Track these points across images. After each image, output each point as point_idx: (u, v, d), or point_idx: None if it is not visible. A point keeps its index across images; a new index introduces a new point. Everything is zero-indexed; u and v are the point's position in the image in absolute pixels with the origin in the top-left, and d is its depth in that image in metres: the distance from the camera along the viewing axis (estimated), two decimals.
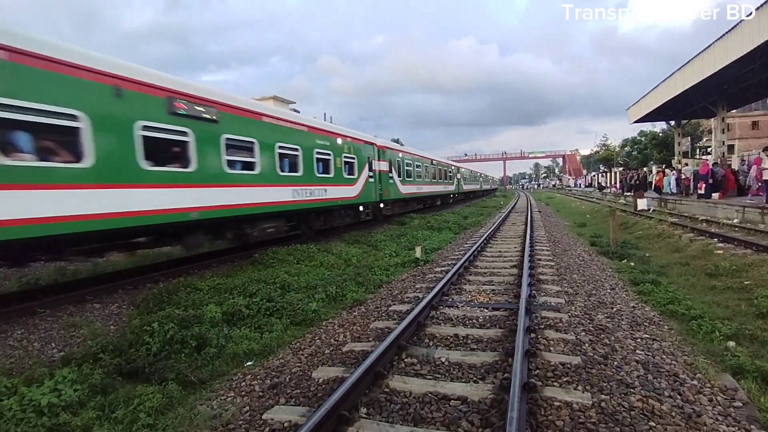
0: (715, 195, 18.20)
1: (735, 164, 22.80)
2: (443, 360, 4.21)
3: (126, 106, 6.60)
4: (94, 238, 6.55)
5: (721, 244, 10.13)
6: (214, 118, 8.22)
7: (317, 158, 11.92)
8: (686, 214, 16.86)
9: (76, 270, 9.06)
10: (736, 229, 12.13)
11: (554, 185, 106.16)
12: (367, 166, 15.34)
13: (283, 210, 10.40)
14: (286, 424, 3.25)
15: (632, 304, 6.21)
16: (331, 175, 12.68)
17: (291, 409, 3.46)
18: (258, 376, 4.23)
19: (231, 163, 8.66)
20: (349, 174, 13.98)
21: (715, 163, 20.29)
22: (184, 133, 7.56)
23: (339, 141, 13.36)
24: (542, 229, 15.93)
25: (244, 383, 4.11)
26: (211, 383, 4.20)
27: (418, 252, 10.48)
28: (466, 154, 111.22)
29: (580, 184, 74.72)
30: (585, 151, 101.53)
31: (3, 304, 6.10)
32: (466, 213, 25.00)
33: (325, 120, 16.79)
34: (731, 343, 4.65)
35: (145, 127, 6.84)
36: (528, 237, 11.90)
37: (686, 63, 20.65)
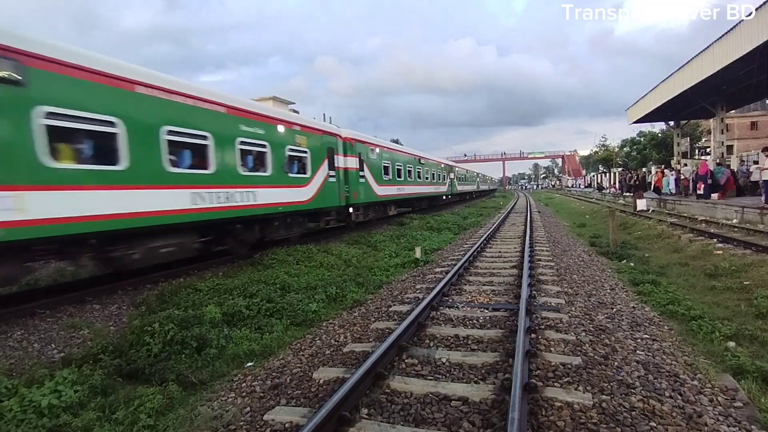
0: (714, 195, 18.22)
1: (734, 164, 22.83)
2: (444, 360, 4.21)
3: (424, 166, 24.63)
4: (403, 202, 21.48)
5: (720, 245, 10.14)
6: (423, 162, 24.35)
7: (438, 174, 28.34)
8: (685, 215, 16.87)
9: (76, 270, 9.05)
10: (736, 229, 12.14)
11: (553, 185, 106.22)
12: (448, 176, 31.90)
13: (428, 196, 25.87)
14: (287, 425, 3.25)
15: (632, 304, 6.21)
16: (441, 181, 29.15)
17: (292, 410, 3.46)
18: (258, 377, 4.23)
19: (426, 177, 24.85)
20: (443, 180, 30.13)
21: (719, 164, 20.29)
22: (419, 169, 23.31)
23: (442, 165, 30.24)
24: (542, 229, 15.94)
25: (244, 384, 4.11)
26: (211, 384, 4.21)
27: (417, 253, 10.48)
28: (465, 155, 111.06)
29: (579, 185, 74.80)
30: (584, 152, 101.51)
31: (3, 305, 6.09)
32: (466, 213, 25.02)
33: (324, 120, 17.93)
34: (731, 344, 4.66)
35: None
36: (528, 237, 11.91)
37: (685, 64, 20.67)
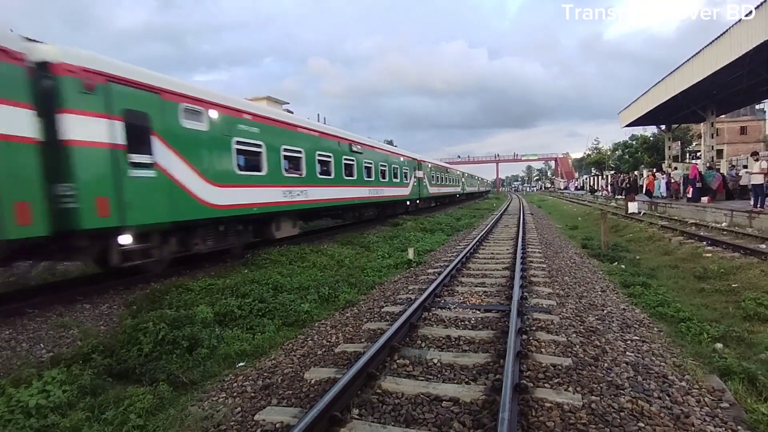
0: (704, 199, 18.43)
1: (724, 168, 23.11)
2: (435, 361, 4.22)
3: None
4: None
5: (709, 248, 10.25)
6: (449, 171, 37.96)
7: (469, 180, 49.55)
8: (676, 218, 17.05)
9: (66, 270, 8.97)
10: (725, 232, 12.29)
11: (546, 188, 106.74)
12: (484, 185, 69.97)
13: (475, 192, 56.18)
14: (278, 425, 3.24)
15: (622, 306, 6.27)
16: (474, 185, 55.07)
17: (283, 410, 3.46)
18: (250, 377, 4.22)
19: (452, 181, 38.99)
20: (470, 185, 50.47)
21: (709, 168, 20.52)
22: (447, 175, 36.16)
23: (476, 177, 59.55)
24: (534, 231, 16.02)
25: (235, 384, 4.10)
26: (202, 384, 4.19)
27: (410, 253, 10.50)
28: (459, 156, 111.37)
29: (569, 187, 75.24)
30: (577, 154, 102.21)
31: None
32: (459, 215, 25.07)
33: (318, 121, 17.91)
34: (719, 345, 4.72)
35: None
36: (520, 239, 11.96)
37: (676, 68, 20.89)
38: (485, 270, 8.72)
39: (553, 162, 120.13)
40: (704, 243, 10.82)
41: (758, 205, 14.18)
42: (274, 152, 10.24)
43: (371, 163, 17.02)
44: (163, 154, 7.20)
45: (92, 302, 6.52)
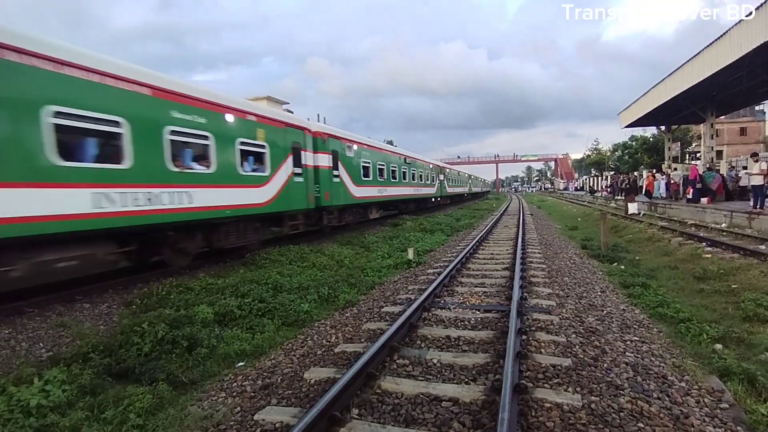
0: (704, 200, 18.45)
1: (723, 169, 23.13)
2: (435, 361, 4.22)
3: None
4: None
5: (709, 248, 10.26)
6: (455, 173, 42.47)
7: (474, 182, 54.46)
8: (675, 218, 17.07)
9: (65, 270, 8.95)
10: (724, 233, 12.30)
11: (546, 188, 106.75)
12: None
13: (478, 192, 60.29)
14: (277, 425, 3.24)
15: (622, 306, 6.27)
16: (477, 185, 58.46)
17: (283, 410, 3.46)
18: (249, 377, 4.22)
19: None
20: (475, 185, 55.29)
21: (709, 168, 20.53)
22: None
23: (472, 175, 56.16)
24: (534, 232, 16.02)
25: (235, 384, 4.10)
26: (202, 384, 4.19)
27: (410, 254, 10.50)
28: (458, 157, 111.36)
29: (569, 188, 75.23)
30: (576, 155, 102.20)
31: None
32: (459, 215, 25.07)
33: (318, 121, 17.93)
34: (718, 346, 4.72)
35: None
36: (520, 240, 11.96)
37: (676, 69, 20.90)
38: (485, 270, 8.72)
39: (553, 162, 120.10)
40: (704, 244, 10.83)
41: (758, 206, 14.20)
42: (374, 166, 17.46)
43: (415, 170, 24.04)
44: (341, 170, 14.18)
45: (92, 302, 6.52)
